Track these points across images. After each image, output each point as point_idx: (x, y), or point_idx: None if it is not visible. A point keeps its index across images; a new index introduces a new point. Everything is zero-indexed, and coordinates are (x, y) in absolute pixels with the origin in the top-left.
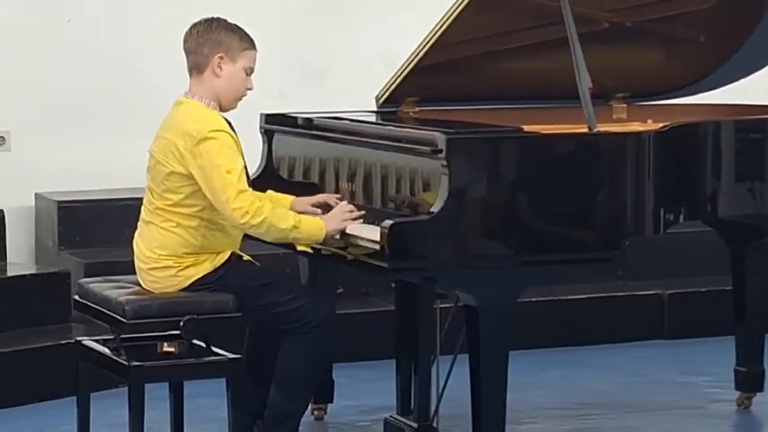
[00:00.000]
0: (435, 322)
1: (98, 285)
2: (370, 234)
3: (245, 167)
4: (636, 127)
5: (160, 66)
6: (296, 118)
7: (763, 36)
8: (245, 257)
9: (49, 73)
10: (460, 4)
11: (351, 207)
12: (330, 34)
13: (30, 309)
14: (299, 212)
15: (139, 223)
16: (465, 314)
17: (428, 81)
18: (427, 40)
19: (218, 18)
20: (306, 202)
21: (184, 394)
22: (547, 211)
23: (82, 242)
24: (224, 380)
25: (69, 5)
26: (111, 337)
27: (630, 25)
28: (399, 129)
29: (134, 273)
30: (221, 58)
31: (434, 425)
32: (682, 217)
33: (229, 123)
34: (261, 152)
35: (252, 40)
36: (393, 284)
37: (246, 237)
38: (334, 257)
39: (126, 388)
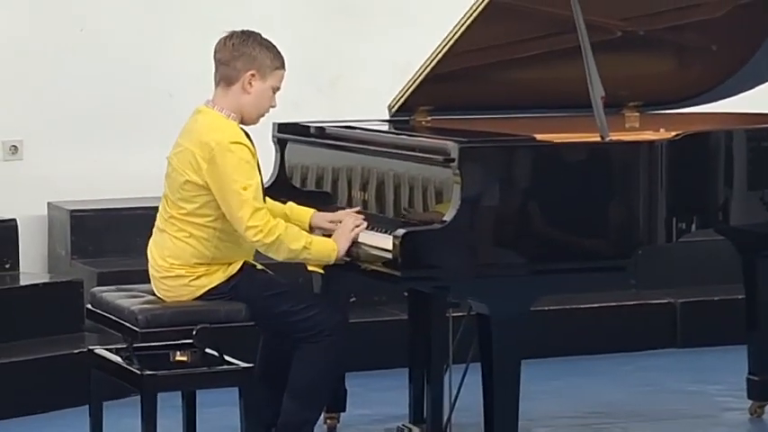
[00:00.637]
0: (448, 331)
1: (111, 294)
2: (383, 243)
3: (261, 180)
4: (648, 136)
5: (174, 75)
6: (309, 127)
7: None
8: (259, 266)
9: (61, 82)
10: (473, 14)
11: (357, 219)
12: (343, 43)
13: (43, 318)
14: (318, 227)
15: (154, 230)
16: (477, 323)
17: (441, 90)
18: (440, 49)
19: (254, 33)
20: (324, 218)
21: (197, 403)
22: (559, 219)
23: (94, 251)
24: (236, 389)
25: (82, 15)
26: (124, 346)
27: (643, 34)
28: (412, 138)
29: (147, 281)
30: (253, 75)
31: None
32: (694, 226)
33: (247, 135)
34: (273, 161)
35: (283, 59)
36: (406, 293)
37: None
38: (347, 267)
39: (138, 397)
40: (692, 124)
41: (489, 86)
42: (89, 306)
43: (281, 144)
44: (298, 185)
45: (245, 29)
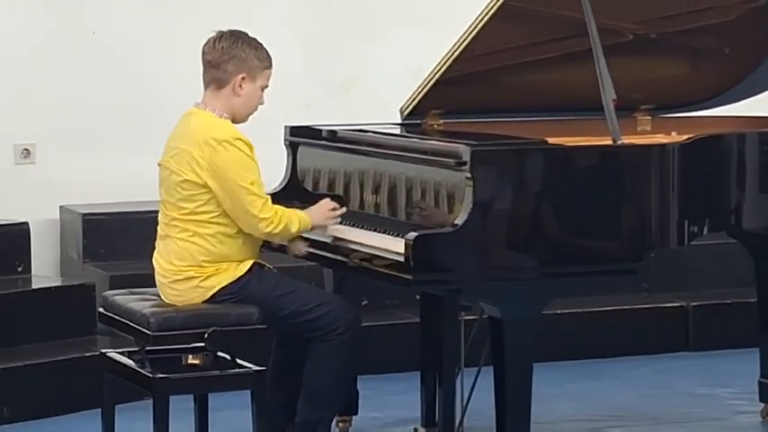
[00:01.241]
0: (460, 334)
1: (123, 298)
2: (395, 246)
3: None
4: (660, 139)
5: (187, 78)
6: (320, 130)
7: None
8: (267, 266)
9: (74, 86)
10: (485, 17)
11: (333, 205)
12: (355, 47)
13: (55, 321)
14: (318, 227)
15: (157, 241)
16: (489, 326)
17: (452, 93)
18: (452, 52)
19: (242, 33)
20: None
21: (209, 406)
22: (571, 223)
23: (107, 254)
24: (249, 392)
25: (95, 18)
26: (136, 349)
27: (655, 37)
28: (424, 141)
29: None
30: (243, 78)
31: None
32: (706, 229)
33: None
34: (285, 164)
35: (270, 57)
36: (418, 296)
37: (263, 246)
38: (358, 270)
39: (151, 400)
40: (704, 127)
41: (501, 90)
42: (101, 309)
43: (293, 147)
44: (310, 189)
45: (233, 29)
